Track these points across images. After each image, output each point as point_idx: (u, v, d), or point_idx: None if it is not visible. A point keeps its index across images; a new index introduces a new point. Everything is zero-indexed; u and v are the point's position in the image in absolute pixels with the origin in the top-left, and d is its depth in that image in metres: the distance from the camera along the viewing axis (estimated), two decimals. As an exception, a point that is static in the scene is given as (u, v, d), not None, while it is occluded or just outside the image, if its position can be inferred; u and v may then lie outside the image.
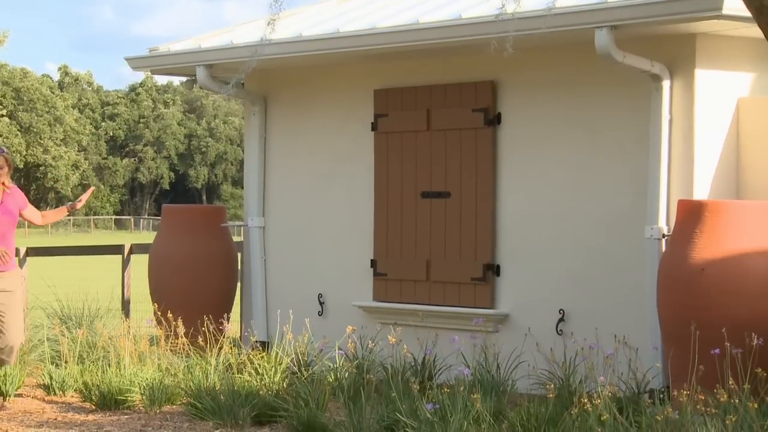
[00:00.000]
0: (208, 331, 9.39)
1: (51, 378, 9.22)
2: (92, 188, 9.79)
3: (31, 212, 9.13)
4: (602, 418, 6.51)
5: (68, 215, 9.92)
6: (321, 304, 10.85)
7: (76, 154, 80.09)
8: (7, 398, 9.10)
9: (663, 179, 8.67)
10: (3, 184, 8.81)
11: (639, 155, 8.88)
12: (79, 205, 9.36)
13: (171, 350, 9.51)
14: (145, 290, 11.35)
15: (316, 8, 11.45)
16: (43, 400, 9.06)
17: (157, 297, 11.01)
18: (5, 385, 9.11)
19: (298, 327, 9.33)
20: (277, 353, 9.03)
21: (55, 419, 8.39)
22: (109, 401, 8.67)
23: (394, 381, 7.94)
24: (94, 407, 8.72)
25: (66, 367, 9.36)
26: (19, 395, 9.13)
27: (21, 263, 11.27)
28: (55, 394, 9.25)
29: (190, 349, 9.34)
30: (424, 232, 10.14)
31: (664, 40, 8.72)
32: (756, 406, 6.41)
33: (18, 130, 72.80)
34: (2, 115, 71.62)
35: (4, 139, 70.97)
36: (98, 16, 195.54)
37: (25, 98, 74.55)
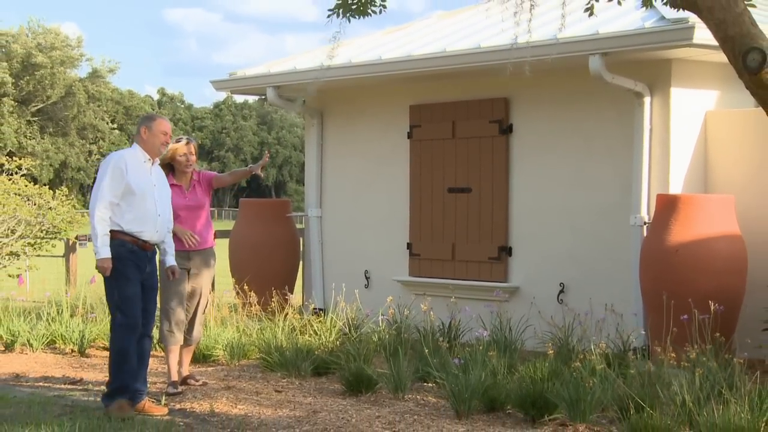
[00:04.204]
0: (276, 300, 9.42)
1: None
2: (267, 155, 8.28)
3: (217, 181, 7.90)
4: (597, 368, 6.48)
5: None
6: (367, 278, 10.86)
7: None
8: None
9: (644, 177, 8.61)
10: (192, 171, 7.66)
11: (625, 158, 8.81)
12: (258, 170, 7.87)
13: (246, 315, 9.56)
14: (226, 267, 11.40)
15: (363, 39, 11.46)
16: (145, 355, 9.12)
17: (236, 273, 11.05)
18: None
19: (349, 297, 9.34)
20: (331, 318, 9.04)
21: (156, 369, 8.44)
22: (198, 356, 8.72)
23: (426, 341, 7.94)
24: (186, 361, 8.76)
25: (163, 329, 9.39)
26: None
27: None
28: (155, 350, 9.30)
29: (261, 315, 9.37)
30: (450, 221, 10.11)
31: (645, 64, 8.64)
32: (718, 363, 6.36)
33: (127, 139, 73.42)
34: (114, 128, 72.74)
35: (116, 147, 71.61)
36: (185, 48, 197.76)
37: (132, 114, 75.12)
